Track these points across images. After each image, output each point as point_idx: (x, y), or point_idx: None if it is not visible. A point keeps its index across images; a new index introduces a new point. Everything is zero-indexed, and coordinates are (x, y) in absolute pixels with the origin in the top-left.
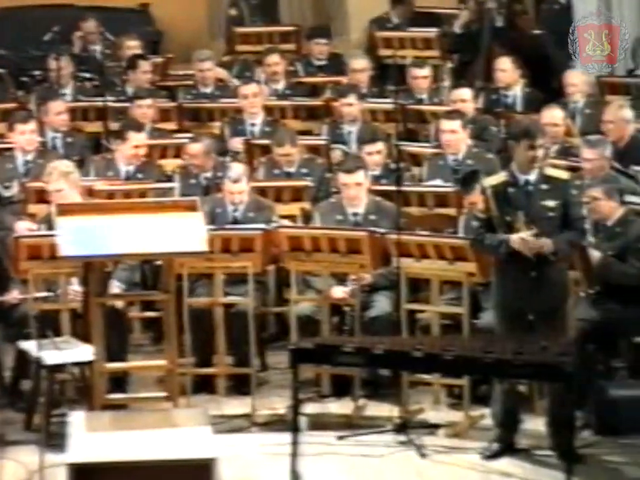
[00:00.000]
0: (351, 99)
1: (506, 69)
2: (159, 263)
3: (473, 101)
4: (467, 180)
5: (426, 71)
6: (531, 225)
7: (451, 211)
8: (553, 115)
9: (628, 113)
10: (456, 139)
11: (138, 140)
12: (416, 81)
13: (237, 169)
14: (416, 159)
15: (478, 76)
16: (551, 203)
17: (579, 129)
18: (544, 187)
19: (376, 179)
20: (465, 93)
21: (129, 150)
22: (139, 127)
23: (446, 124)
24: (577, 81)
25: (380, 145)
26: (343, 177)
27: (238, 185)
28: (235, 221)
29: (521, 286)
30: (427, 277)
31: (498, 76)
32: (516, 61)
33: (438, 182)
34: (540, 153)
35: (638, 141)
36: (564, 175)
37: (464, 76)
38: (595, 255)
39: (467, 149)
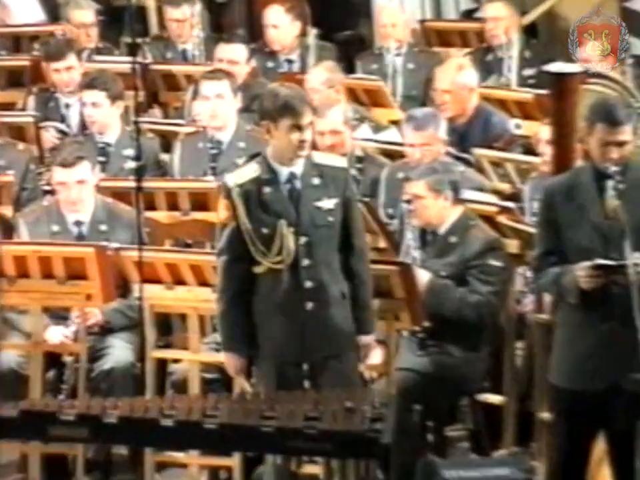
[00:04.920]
0: (70, 60)
1: (278, 25)
2: None
3: (247, 62)
4: None
5: (184, 12)
6: (301, 237)
7: (212, 216)
8: (320, 74)
9: (471, 77)
10: (222, 108)
11: None
12: (171, 25)
13: None
14: (165, 141)
15: (238, 21)
16: (328, 204)
17: (401, 93)
18: (316, 181)
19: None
20: (238, 51)
21: None
22: None
23: (208, 87)
24: (396, 20)
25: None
26: (59, 172)
27: None
28: None
29: (294, 328)
30: (183, 312)
31: (269, 34)
32: (295, 8)
33: None
34: (308, 135)
35: (483, 113)
36: (341, 161)
37: (220, 22)
38: (423, 276)
39: (235, 125)
